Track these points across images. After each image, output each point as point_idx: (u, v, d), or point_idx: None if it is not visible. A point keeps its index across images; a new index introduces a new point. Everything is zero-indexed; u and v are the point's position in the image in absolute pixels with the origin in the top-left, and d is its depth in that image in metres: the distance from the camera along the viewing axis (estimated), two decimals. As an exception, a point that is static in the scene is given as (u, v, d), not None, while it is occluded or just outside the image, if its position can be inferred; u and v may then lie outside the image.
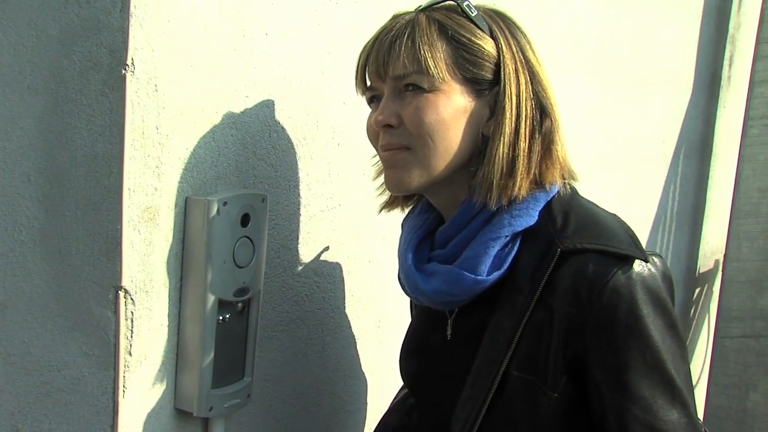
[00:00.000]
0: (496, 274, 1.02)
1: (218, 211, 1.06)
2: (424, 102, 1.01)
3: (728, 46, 3.39)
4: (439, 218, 1.14)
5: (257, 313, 1.17)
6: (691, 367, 3.57)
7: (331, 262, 1.39)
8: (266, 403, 1.29)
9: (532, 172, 1.03)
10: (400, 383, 1.31)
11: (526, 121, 1.02)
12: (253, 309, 1.17)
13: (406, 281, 1.11)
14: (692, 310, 3.57)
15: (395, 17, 1.06)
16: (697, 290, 3.60)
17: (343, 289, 1.44)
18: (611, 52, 2.40)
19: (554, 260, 0.99)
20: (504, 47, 1.03)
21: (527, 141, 1.02)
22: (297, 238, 1.30)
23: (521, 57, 1.04)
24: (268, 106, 1.18)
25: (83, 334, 1.03)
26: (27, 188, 1.05)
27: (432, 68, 1.00)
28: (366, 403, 1.54)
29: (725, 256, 3.47)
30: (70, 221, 1.03)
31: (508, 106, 1.01)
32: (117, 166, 0.98)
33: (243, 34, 1.12)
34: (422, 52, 1.00)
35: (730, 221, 3.37)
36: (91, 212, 1.01)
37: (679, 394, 0.94)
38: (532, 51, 1.07)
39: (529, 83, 1.04)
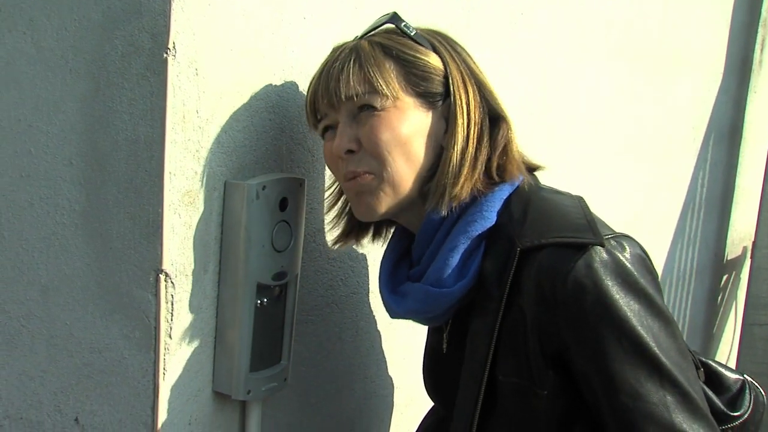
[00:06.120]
0: (461, 284, 1.02)
1: (257, 195, 1.06)
2: (379, 120, 1.01)
3: (760, 30, 3.35)
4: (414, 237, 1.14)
5: (294, 297, 1.18)
6: (719, 354, 3.56)
7: (365, 247, 1.39)
8: (302, 386, 1.30)
9: (476, 174, 1.03)
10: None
11: (475, 128, 1.04)
12: (290, 293, 1.17)
13: (384, 306, 1.13)
14: (720, 297, 3.54)
15: (336, 49, 1.07)
16: (725, 277, 3.57)
17: (377, 274, 1.43)
18: (640, 37, 2.38)
19: (515, 261, 0.98)
20: (449, 60, 1.05)
21: (474, 147, 1.03)
22: (332, 222, 1.30)
23: (466, 68, 1.06)
24: (305, 90, 1.18)
25: (124, 317, 1.04)
26: (69, 172, 1.06)
27: (383, 87, 1.01)
28: (398, 388, 1.54)
29: (754, 243, 3.44)
30: (111, 205, 1.03)
31: (459, 114, 1.03)
32: (158, 150, 0.99)
33: (281, 18, 1.12)
34: (372, 73, 1.01)
35: (759, 208, 3.34)
36: (132, 196, 1.02)
37: (667, 374, 0.91)
38: (474, 63, 1.09)
39: (477, 92, 1.06)
